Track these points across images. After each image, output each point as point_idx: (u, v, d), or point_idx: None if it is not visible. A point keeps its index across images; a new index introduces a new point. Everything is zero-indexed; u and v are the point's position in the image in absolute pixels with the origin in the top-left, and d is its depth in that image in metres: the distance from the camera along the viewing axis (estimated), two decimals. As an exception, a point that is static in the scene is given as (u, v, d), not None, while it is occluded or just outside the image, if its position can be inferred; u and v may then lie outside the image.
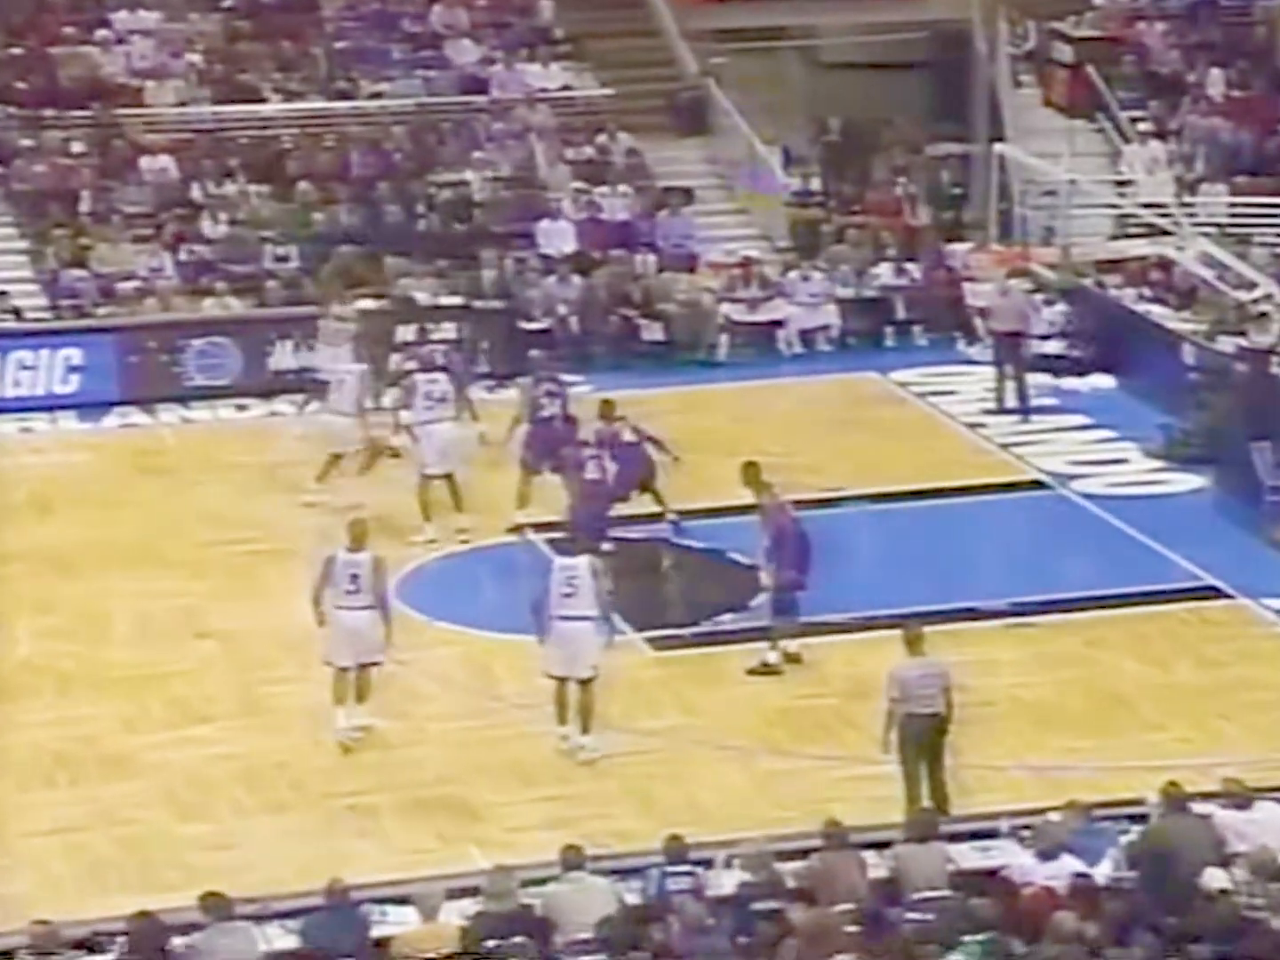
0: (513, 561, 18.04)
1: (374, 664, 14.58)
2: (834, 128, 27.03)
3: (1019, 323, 21.80)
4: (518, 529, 18.19)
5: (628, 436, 17.95)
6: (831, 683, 15.65)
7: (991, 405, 21.90)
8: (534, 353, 19.22)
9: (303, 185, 25.01)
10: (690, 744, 14.65)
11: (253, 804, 14.03)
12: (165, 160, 25.11)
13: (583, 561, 14.49)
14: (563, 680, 14.53)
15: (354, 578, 14.37)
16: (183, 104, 25.98)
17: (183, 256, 24.08)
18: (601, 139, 26.41)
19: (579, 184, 25.54)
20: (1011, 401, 21.78)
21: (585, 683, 14.43)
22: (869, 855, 12.00)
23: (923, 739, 13.29)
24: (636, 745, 14.62)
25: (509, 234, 24.79)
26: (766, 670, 15.59)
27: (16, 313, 23.15)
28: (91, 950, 11.40)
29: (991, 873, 12.08)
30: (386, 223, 24.82)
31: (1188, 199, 25.45)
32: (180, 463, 20.79)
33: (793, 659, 15.80)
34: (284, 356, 22.75)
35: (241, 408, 22.03)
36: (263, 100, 26.22)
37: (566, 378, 19.58)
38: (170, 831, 13.68)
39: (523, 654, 16.03)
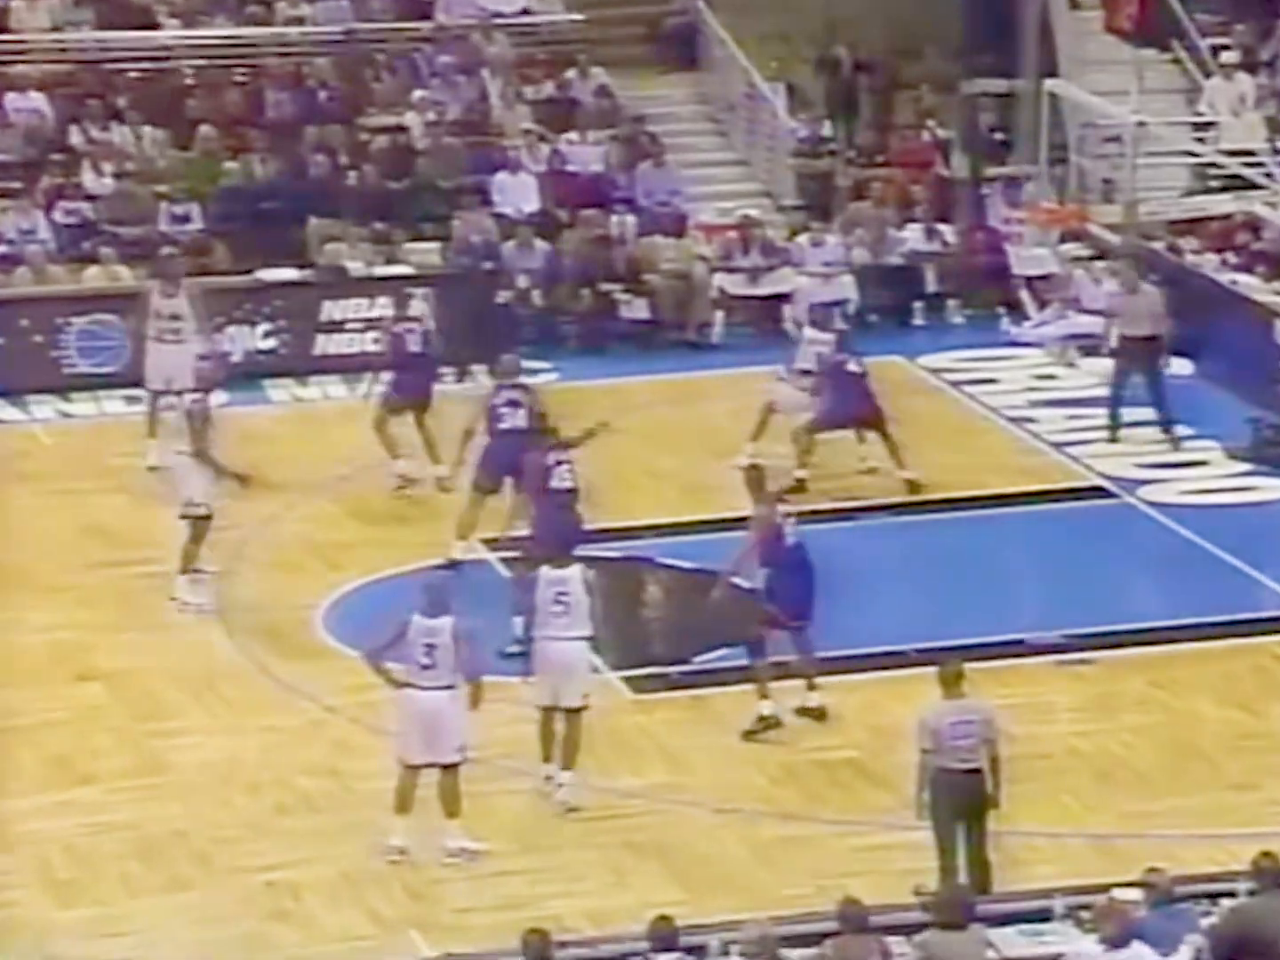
0: (461, 586, 18.04)
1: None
2: (844, 60, 27.05)
3: (1154, 325, 20.92)
4: (453, 564, 18.03)
5: None
6: (849, 732, 15.68)
7: (1104, 435, 21.05)
8: (506, 356, 19.08)
9: (206, 130, 25.01)
10: (679, 805, 14.66)
11: (148, 881, 13.99)
12: (37, 98, 25.08)
13: (574, 573, 14.73)
14: (550, 710, 14.71)
15: (430, 649, 14.10)
16: (58, 29, 25.97)
17: (60, 216, 24.07)
18: (570, 75, 26.45)
19: (542, 129, 25.56)
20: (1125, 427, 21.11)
21: (573, 713, 14.62)
22: (895, 941, 12.01)
23: (960, 800, 13.30)
24: (614, 806, 14.64)
25: (458, 190, 24.83)
26: (765, 724, 15.59)
27: None
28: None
29: (1045, 962, 12.13)
30: (309, 176, 24.83)
31: (1282, 145, 25.55)
32: (59, 467, 20.76)
33: (814, 714, 15.79)
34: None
35: (133, 400, 21.97)
36: (157, 25, 26.21)
37: (533, 381, 19.49)
38: (47, 916, 13.64)
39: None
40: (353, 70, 26.06)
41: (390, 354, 20.04)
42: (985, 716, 13.44)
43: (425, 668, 14.05)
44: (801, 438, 19.76)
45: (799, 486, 19.00)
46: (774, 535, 15.85)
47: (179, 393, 19.68)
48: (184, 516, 17.60)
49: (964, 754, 13.27)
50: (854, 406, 19.78)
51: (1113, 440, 20.94)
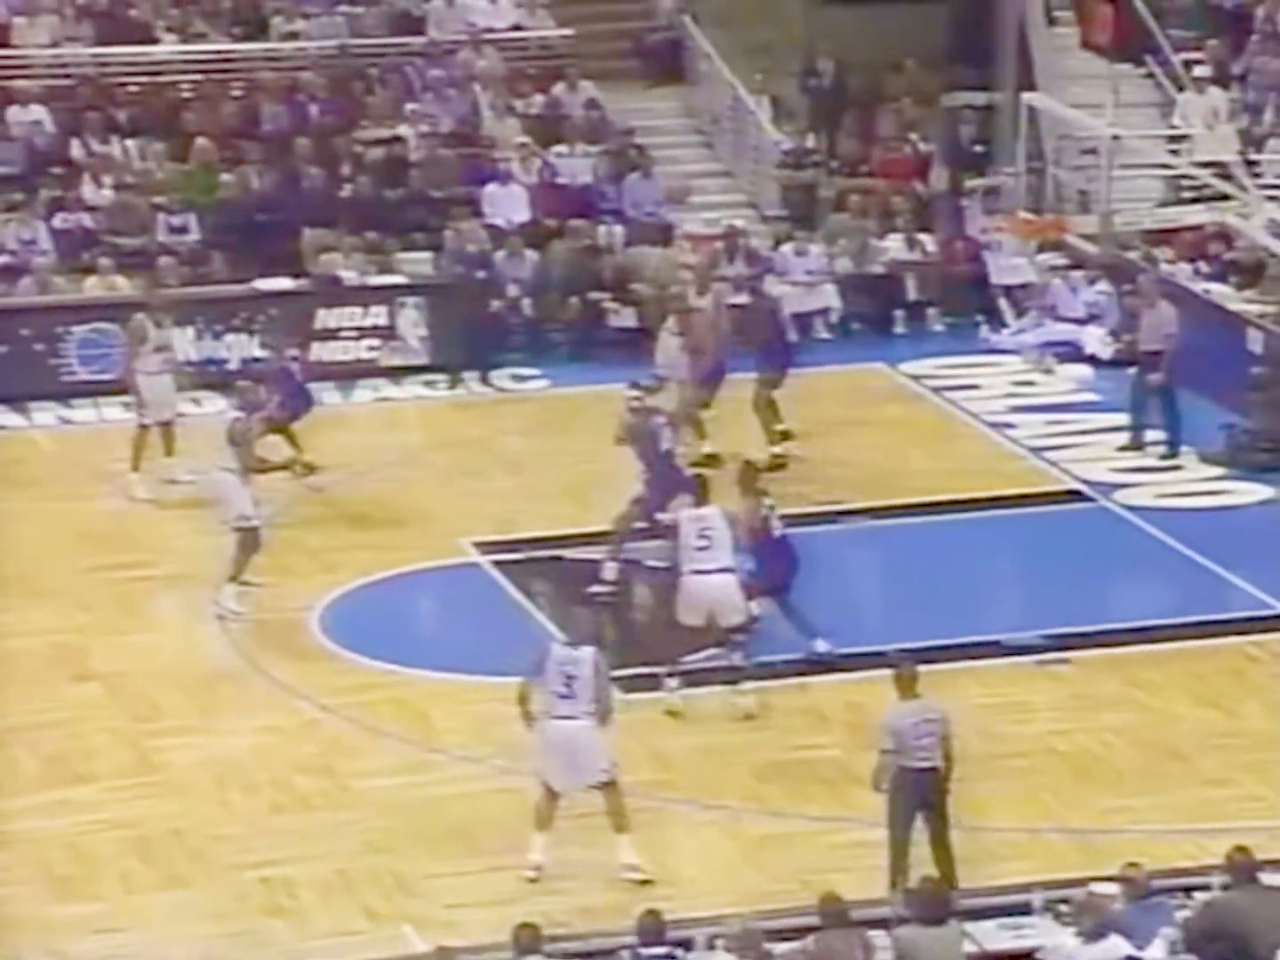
0: (453, 587, 18.04)
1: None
2: (826, 71, 27.04)
3: (1164, 341, 20.67)
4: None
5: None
6: (833, 730, 15.66)
7: (1124, 441, 20.87)
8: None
9: (203, 142, 24.97)
10: (665, 803, 14.62)
11: (144, 879, 13.95)
12: (38, 111, 25.06)
13: (714, 511, 15.81)
14: (703, 630, 15.77)
15: (570, 679, 13.81)
16: (58, 44, 25.93)
17: (60, 226, 24.03)
18: (558, 88, 26.44)
19: (531, 141, 25.54)
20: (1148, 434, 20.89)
21: (734, 630, 15.78)
22: (876, 935, 11.98)
23: (922, 796, 13.29)
24: (600, 805, 14.58)
25: (450, 200, 24.80)
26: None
27: None
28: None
29: (1024, 955, 12.09)
30: (304, 187, 24.80)
31: (1254, 157, 25.54)
32: (58, 473, 20.72)
33: (822, 662, 16.33)
34: (183, 346, 22.70)
35: (129, 406, 21.93)
36: (155, 41, 26.17)
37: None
38: (45, 913, 13.59)
39: (467, 698, 16.06)
40: (346, 84, 26.03)
41: (277, 384, 19.77)
42: (941, 716, 13.49)
43: (563, 697, 13.80)
44: (761, 405, 20.11)
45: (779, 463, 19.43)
46: (762, 530, 16.33)
47: (168, 422, 19.77)
48: (235, 529, 17.49)
49: (925, 752, 13.29)
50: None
51: (1137, 448, 20.75)
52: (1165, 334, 20.76)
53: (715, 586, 15.70)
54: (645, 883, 13.58)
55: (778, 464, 19.88)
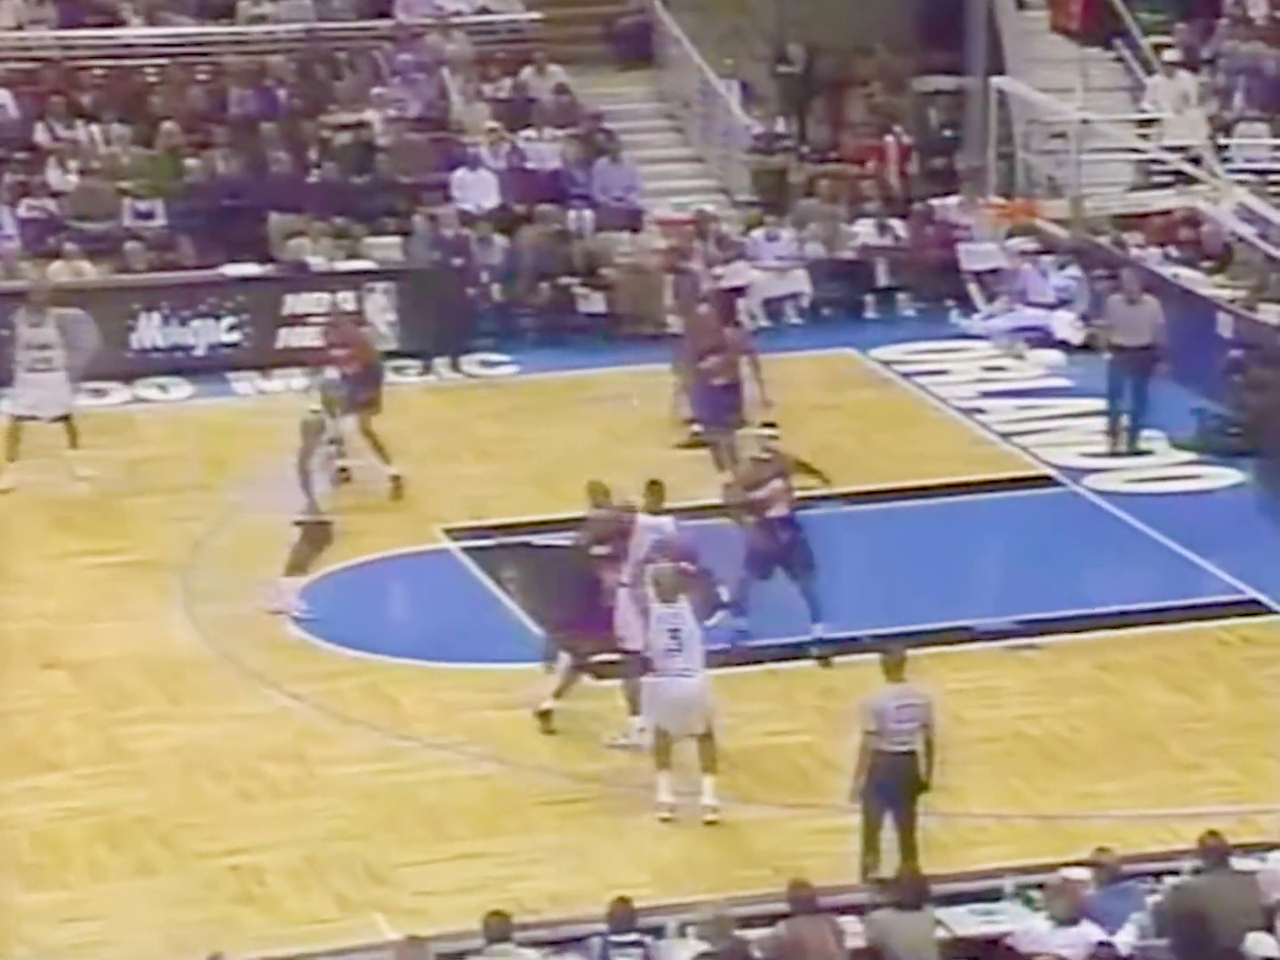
0: (424, 575, 18.04)
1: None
2: (796, 56, 27.06)
3: (1154, 335, 20.56)
4: None
5: None
6: (804, 717, 15.69)
7: (1104, 446, 20.64)
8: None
9: (169, 127, 24.92)
10: (637, 790, 14.65)
11: (113, 866, 13.96)
12: (2, 95, 24.99)
13: (669, 520, 15.65)
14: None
15: (674, 633, 14.28)
16: (21, 27, 25.85)
17: (25, 212, 23.96)
18: (527, 72, 26.42)
19: (500, 126, 25.52)
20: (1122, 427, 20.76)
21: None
22: (848, 920, 12.01)
23: (895, 781, 13.32)
24: (574, 791, 14.63)
25: (418, 186, 24.77)
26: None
27: None
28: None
29: (994, 941, 12.14)
30: (272, 172, 24.75)
31: (1223, 141, 25.62)
32: (26, 459, 20.65)
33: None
34: (149, 331, 22.66)
35: (98, 393, 21.89)
36: (121, 23, 26.10)
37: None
38: (13, 901, 13.59)
39: (437, 685, 16.07)
40: (314, 68, 25.98)
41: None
42: (925, 702, 13.48)
43: (672, 651, 14.18)
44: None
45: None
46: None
47: (40, 419, 19.63)
48: (299, 523, 17.17)
49: (904, 737, 13.33)
50: None
51: (1114, 447, 20.52)
52: (1156, 325, 20.61)
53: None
54: (711, 823, 14.08)
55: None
